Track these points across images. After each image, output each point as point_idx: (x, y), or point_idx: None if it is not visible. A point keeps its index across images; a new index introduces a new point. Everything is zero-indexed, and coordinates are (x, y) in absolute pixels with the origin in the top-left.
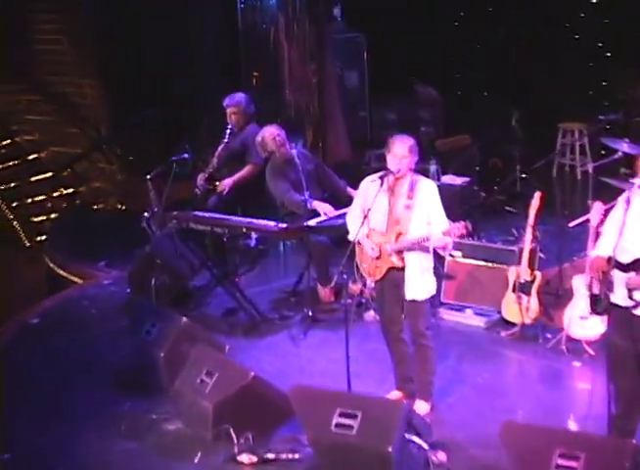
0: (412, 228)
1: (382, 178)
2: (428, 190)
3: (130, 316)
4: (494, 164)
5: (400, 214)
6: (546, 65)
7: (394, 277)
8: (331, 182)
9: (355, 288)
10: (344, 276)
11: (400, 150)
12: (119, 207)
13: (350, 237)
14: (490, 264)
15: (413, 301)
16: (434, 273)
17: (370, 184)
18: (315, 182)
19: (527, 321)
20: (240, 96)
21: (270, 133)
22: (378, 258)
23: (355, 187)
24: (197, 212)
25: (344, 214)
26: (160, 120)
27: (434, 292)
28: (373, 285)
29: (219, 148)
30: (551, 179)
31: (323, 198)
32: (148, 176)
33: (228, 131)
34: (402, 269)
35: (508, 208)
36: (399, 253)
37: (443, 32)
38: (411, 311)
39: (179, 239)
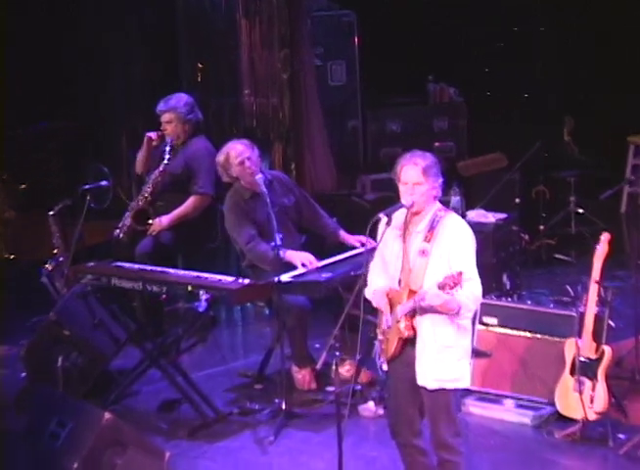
0: (428, 282)
1: (389, 215)
2: (454, 230)
3: (27, 412)
4: (540, 195)
5: (413, 263)
6: (611, 58)
7: (408, 354)
8: (316, 222)
9: (343, 370)
10: (337, 353)
11: (412, 174)
12: (8, 256)
13: (367, 293)
14: (539, 336)
15: (431, 392)
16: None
17: (393, 222)
18: (292, 222)
19: (592, 417)
20: (178, 98)
21: (238, 154)
22: (389, 326)
23: (352, 230)
24: (121, 264)
25: (331, 267)
26: (65, 136)
27: (467, 383)
28: (385, 367)
29: (156, 171)
30: (618, 216)
31: (301, 244)
32: (50, 212)
33: (168, 148)
34: (415, 342)
35: (560, 255)
36: (409, 318)
37: (467, 12)
38: (429, 408)
39: (96, 301)
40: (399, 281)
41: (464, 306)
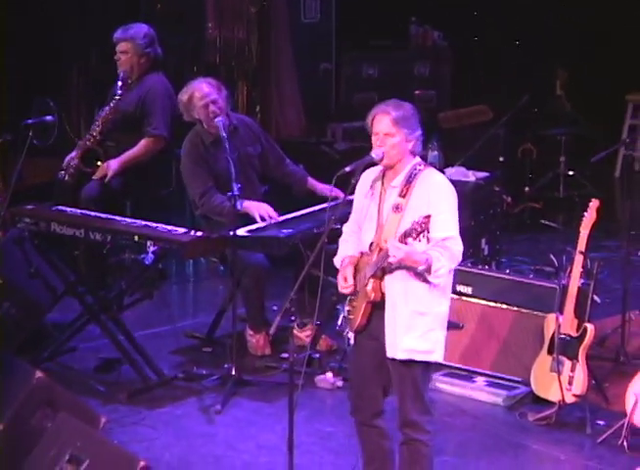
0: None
1: (356, 169)
2: (433, 185)
3: None
4: (527, 153)
5: (387, 220)
6: (612, 6)
7: (375, 324)
8: (282, 170)
9: (303, 335)
10: (292, 317)
11: (383, 124)
12: None
13: (335, 262)
14: (516, 309)
15: (398, 363)
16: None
17: (365, 181)
18: (255, 171)
19: (570, 400)
20: (138, 28)
21: (203, 95)
22: (355, 293)
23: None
24: (63, 208)
25: (293, 222)
26: (5, 62)
27: (439, 356)
28: (352, 340)
29: (106, 108)
30: (613, 180)
31: (262, 195)
32: None
33: (120, 83)
34: (384, 309)
35: (545, 221)
36: (378, 279)
37: None
38: (396, 382)
39: (34, 248)
40: (371, 244)
41: (435, 261)
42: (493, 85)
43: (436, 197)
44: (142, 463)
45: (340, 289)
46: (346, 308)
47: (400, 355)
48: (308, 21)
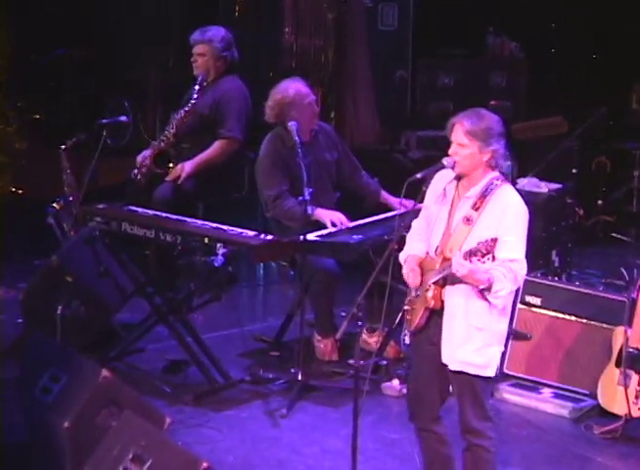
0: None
1: (427, 176)
2: (507, 203)
3: (20, 362)
4: (601, 166)
5: (455, 229)
6: None
7: (433, 330)
8: (356, 181)
9: (372, 340)
10: (359, 323)
11: (457, 133)
12: (14, 190)
13: (400, 257)
14: (585, 321)
15: (455, 372)
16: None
17: (438, 183)
18: (330, 179)
19: (636, 414)
20: (216, 31)
21: (307, 93)
22: (417, 295)
23: (391, 190)
24: (134, 208)
25: (364, 228)
26: (83, 64)
27: (493, 371)
28: (408, 340)
29: (182, 111)
30: None
31: (335, 202)
32: (62, 146)
33: (197, 87)
34: (442, 316)
35: (617, 235)
36: (439, 287)
37: None
38: (456, 389)
39: (105, 248)
40: (437, 248)
41: (497, 281)
42: (569, 98)
43: (509, 218)
44: (205, 464)
45: (409, 283)
46: (405, 308)
47: (454, 367)
48: (385, 28)
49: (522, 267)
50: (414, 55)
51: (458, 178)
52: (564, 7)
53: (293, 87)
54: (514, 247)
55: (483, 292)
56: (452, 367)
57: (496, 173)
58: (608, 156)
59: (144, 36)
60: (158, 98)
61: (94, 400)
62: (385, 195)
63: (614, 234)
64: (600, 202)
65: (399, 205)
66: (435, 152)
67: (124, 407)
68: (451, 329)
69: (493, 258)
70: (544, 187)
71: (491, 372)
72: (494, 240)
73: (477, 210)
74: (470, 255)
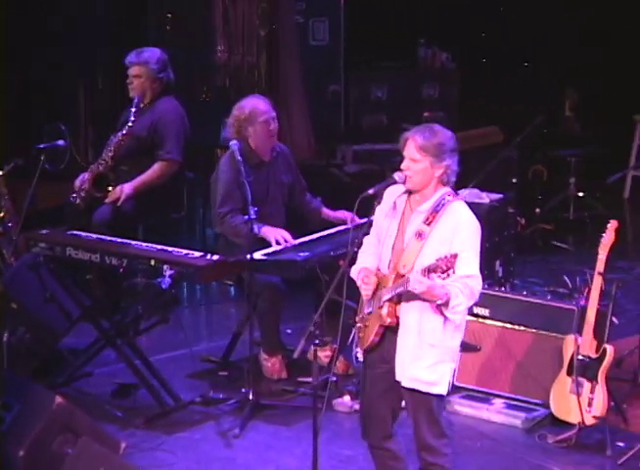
0: (418, 267)
1: (378, 192)
2: (459, 218)
3: None
4: (537, 175)
5: (407, 245)
6: (621, 26)
7: (387, 348)
8: (302, 201)
9: (322, 355)
10: (316, 341)
11: (410, 148)
12: None
13: (352, 272)
14: (535, 331)
15: (409, 390)
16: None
17: (388, 198)
18: (281, 199)
19: (589, 421)
20: (152, 53)
21: (265, 111)
22: (369, 312)
23: (330, 205)
24: (78, 233)
25: (309, 245)
26: (14, 88)
27: (444, 389)
28: (361, 358)
29: (118, 134)
30: (622, 201)
31: (285, 222)
32: None
33: (133, 109)
34: (397, 333)
35: (557, 242)
36: (394, 304)
37: None
38: (410, 407)
39: (49, 273)
40: (389, 263)
41: (454, 297)
42: (502, 107)
43: (462, 234)
44: None
45: (361, 291)
46: (358, 325)
47: (405, 384)
48: (317, 43)
49: (478, 283)
50: (346, 69)
51: (409, 192)
52: (493, 16)
53: (250, 104)
54: (469, 262)
55: (441, 308)
56: (405, 384)
57: (448, 189)
58: (544, 164)
59: (71, 59)
60: (88, 122)
61: (49, 428)
62: (325, 211)
63: (553, 242)
64: (538, 210)
65: (342, 215)
66: (371, 165)
67: (80, 434)
68: (405, 345)
69: (453, 272)
70: (485, 197)
71: (443, 390)
72: (454, 256)
73: (429, 224)
74: (428, 271)
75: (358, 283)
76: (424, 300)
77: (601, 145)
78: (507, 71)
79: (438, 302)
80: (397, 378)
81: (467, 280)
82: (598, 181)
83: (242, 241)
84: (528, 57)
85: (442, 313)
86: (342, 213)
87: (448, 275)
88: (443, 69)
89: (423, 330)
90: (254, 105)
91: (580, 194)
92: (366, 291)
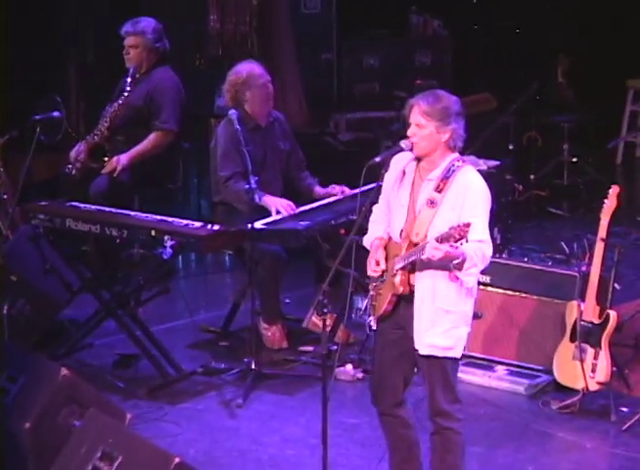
0: (431, 235)
1: (385, 159)
2: (470, 183)
3: None
4: (532, 141)
5: (419, 213)
6: None
7: (401, 314)
8: (298, 173)
9: (319, 322)
10: (325, 310)
11: (415, 114)
12: None
13: (365, 242)
14: (536, 298)
15: (425, 357)
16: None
17: (396, 166)
18: (279, 166)
19: (593, 387)
20: (147, 22)
21: (261, 74)
22: (382, 280)
23: (325, 173)
24: (77, 204)
25: (310, 214)
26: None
27: (459, 352)
28: (374, 326)
29: (114, 104)
30: (614, 167)
31: (283, 192)
32: None
33: (129, 79)
34: (411, 301)
35: (552, 208)
36: (407, 272)
37: None
38: (426, 373)
39: (48, 244)
40: (401, 232)
41: (469, 259)
42: (495, 73)
43: (473, 200)
44: (177, 460)
45: (369, 271)
46: (371, 294)
47: (422, 351)
48: (309, 11)
49: (489, 248)
50: (339, 37)
51: (417, 160)
52: None
53: (246, 68)
54: (480, 228)
55: (454, 271)
56: (422, 351)
57: (456, 154)
58: (538, 130)
59: (63, 31)
60: (80, 94)
61: (54, 400)
62: (317, 189)
63: (549, 208)
64: (532, 176)
65: (332, 191)
66: (366, 133)
67: (86, 406)
68: (420, 314)
69: (466, 241)
70: (483, 165)
71: (458, 353)
72: (467, 225)
73: (439, 192)
74: (442, 240)
75: (369, 261)
76: (437, 267)
77: (594, 110)
78: (499, 38)
79: (455, 262)
80: (415, 346)
81: (479, 244)
82: (591, 147)
83: (243, 207)
84: (520, 23)
85: (455, 279)
86: (332, 189)
87: (461, 244)
88: (435, 36)
89: (437, 297)
90: (251, 69)
91: (574, 160)
92: (374, 273)
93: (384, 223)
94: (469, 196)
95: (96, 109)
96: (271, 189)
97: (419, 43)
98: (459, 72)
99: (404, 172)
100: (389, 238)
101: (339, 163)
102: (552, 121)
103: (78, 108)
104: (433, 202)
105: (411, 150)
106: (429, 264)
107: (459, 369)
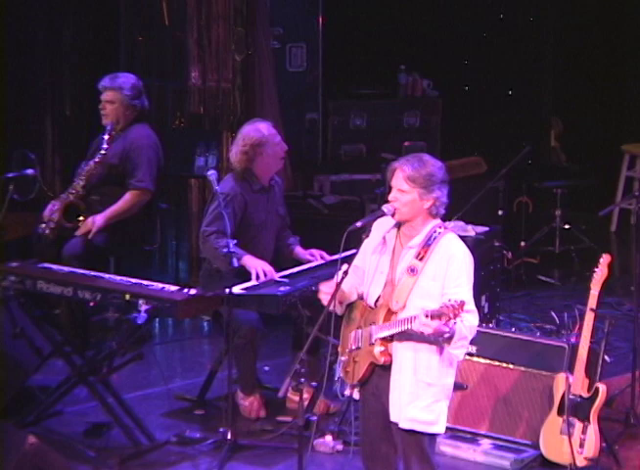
0: (411, 304)
1: (366, 225)
2: (452, 251)
3: None
4: (522, 207)
5: (399, 281)
6: (607, 55)
7: (375, 383)
8: (283, 232)
9: (294, 397)
10: (302, 380)
11: (398, 179)
12: None
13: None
14: (524, 369)
15: (404, 431)
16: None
17: (377, 231)
18: (274, 232)
19: (581, 463)
20: (126, 78)
21: (275, 133)
22: (357, 347)
23: (308, 237)
24: (49, 266)
25: (290, 278)
26: None
27: (442, 427)
28: (352, 394)
29: (90, 162)
30: (609, 234)
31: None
32: None
33: (106, 136)
34: (387, 370)
35: (543, 277)
36: (385, 343)
37: None
38: (402, 446)
39: (19, 307)
40: (377, 298)
41: (458, 332)
42: (485, 136)
43: (457, 270)
44: None
45: (321, 297)
46: (343, 359)
47: (403, 425)
48: (294, 69)
49: (475, 318)
50: (325, 96)
51: (398, 226)
52: (476, 43)
53: (264, 127)
54: (467, 299)
55: (440, 344)
56: (402, 425)
57: (438, 221)
58: (529, 195)
59: (39, 85)
60: (56, 150)
61: (21, 469)
62: (297, 249)
63: (539, 276)
64: (523, 243)
65: (311, 255)
66: (351, 196)
67: None
68: (399, 386)
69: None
70: (471, 230)
71: (441, 429)
72: (462, 304)
73: (421, 259)
74: (432, 317)
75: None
76: (419, 340)
77: (587, 176)
78: (490, 100)
79: (445, 336)
80: (393, 419)
81: (466, 315)
82: (584, 213)
83: (219, 264)
84: (513, 85)
85: (437, 351)
86: (311, 252)
87: (455, 323)
88: (425, 96)
89: (418, 369)
90: (268, 127)
91: (567, 226)
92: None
93: (353, 274)
94: (452, 265)
95: (72, 165)
96: (265, 252)
97: (408, 104)
98: (448, 135)
99: (385, 239)
100: (365, 302)
101: (322, 226)
102: (544, 186)
103: (54, 164)
104: (413, 270)
105: (393, 215)
106: (410, 335)
107: (443, 442)
